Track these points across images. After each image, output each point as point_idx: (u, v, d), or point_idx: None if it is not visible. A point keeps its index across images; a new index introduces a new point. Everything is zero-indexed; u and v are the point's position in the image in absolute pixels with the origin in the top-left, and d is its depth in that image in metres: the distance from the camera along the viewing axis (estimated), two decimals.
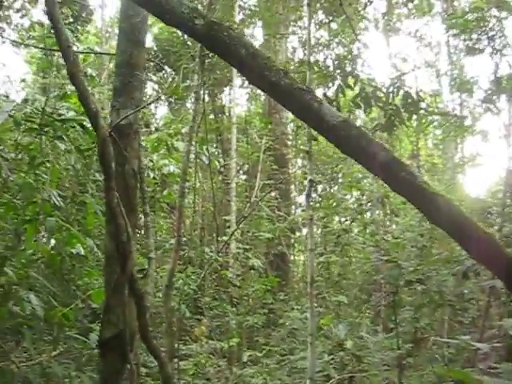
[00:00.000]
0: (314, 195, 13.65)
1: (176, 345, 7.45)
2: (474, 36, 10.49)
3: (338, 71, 6.00)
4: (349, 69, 6.03)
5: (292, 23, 16.97)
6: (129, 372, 3.57)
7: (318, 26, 15.97)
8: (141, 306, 3.54)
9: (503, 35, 10.25)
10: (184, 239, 10.65)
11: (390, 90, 6.10)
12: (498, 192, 11.38)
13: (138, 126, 4.16)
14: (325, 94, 5.94)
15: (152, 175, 8.65)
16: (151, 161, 8.67)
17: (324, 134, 2.68)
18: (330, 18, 15.45)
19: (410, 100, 6.06)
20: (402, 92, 6.11)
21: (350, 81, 6.25)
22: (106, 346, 3.59)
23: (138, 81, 3.90)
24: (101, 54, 11.36)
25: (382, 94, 6.16)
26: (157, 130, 12.94)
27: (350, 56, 6.45)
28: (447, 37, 14.99)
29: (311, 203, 6.35)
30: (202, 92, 7.88)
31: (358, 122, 13.98)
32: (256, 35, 17.67)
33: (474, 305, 8.63)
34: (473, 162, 15.06)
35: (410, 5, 17.80)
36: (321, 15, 15.84)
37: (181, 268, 8.58)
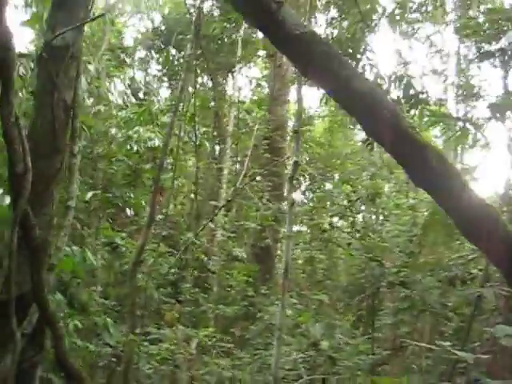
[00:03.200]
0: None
1: (141, 326, 7.07)
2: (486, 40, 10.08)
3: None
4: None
5: None
6: (13, 342, 2.98)
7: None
8: (36, 258, 2.85)
9: None
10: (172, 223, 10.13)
11: (392, 78, 5.62)
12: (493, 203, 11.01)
13: (77, 51, 3.44)
14: None
15: (136, 147, 8.21)
16: (136, 132, 8.22)
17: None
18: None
19: (411, 91, 5.60)
20: (404, 81, 5.62)
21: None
22: None
23: None
24: None
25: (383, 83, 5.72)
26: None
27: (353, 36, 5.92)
28: (458, 44, 14.58)
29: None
30: (194, 62, 7.45)
31: None
32: None
33: (459, 316, 8.22)
34: (473, 172, 14.64)
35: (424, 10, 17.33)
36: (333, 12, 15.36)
37: (154, 247, 8.15)
